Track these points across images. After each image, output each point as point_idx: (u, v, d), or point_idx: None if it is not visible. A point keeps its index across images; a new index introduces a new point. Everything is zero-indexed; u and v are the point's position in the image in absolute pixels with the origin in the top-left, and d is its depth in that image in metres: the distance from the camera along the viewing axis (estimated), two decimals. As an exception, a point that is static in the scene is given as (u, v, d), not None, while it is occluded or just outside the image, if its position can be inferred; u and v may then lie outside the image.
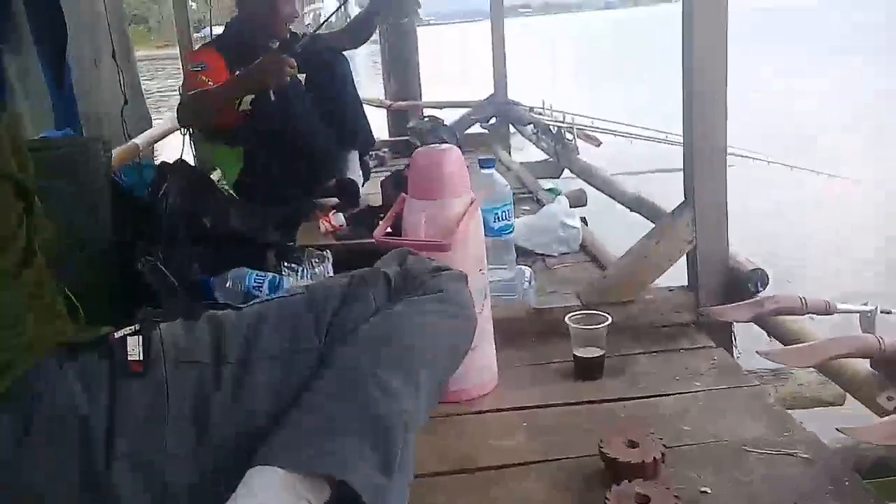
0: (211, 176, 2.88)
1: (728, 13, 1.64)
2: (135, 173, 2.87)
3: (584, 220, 3.32)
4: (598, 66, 19.04)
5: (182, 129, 2.87)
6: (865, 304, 1.32)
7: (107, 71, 3.23)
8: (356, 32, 3.12)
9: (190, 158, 3.94)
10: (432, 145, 1.49)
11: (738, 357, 1.75)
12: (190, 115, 2.62)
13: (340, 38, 3.09)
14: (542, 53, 22.74)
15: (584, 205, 3.58)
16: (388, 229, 1.49)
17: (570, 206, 3.37)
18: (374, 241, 1.47)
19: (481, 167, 1.80)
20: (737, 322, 1.42)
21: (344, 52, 2.96)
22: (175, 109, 2.73)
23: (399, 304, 1.08)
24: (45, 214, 1.05)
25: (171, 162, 1.96)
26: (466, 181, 1.47)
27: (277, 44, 2.74)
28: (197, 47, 2.87)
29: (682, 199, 1.77)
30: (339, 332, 1.03)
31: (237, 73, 2.47)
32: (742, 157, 3.84)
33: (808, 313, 1.34)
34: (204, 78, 2.53)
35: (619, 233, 3.06)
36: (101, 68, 3.19)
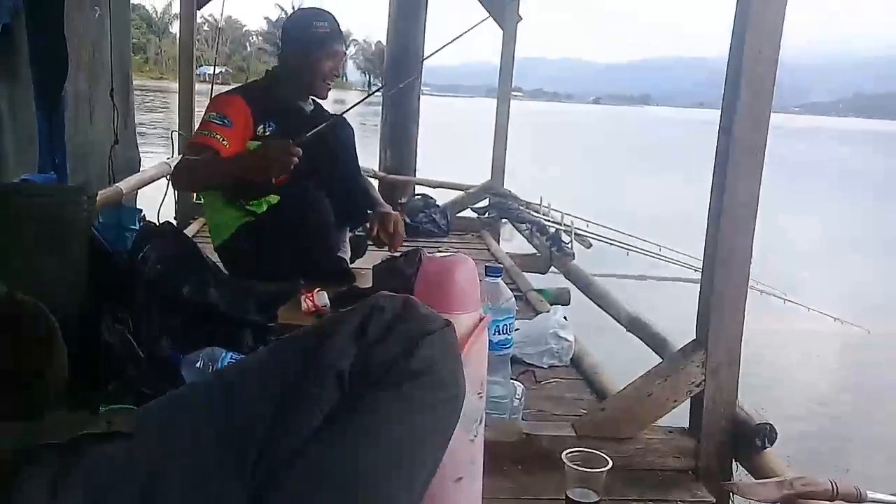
0: (192, 234, 2.75)
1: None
2: (117, 215, 2.75)
3: (565, 318, 3.25)
4: (595, 159, 19.41)
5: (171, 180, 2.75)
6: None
7: (103, 108, 3.13)
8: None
9: (171, 203, 3.84)
10: (443, 254, 1.38)
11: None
12: (185, 183, 2.53)
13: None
14: (535, 139, 23.17)
15: (567, 303, 3.51)
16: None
17: (552, 303, 3.31)
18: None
19: (488, 275, 1.70)
20: (763, 502, 1.31)
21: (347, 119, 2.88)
22: (173, 167, 2.61)
23: (360, 406, 0.85)
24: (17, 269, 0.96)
25: (156, 224, 1.83)
26: (477, 296, 1.36)
27: (312, 107, 2.71)
28: (225, 90, 2.76)
29: (684, 332, 1.68)
30: (271, 467, 0.80)
31: (244, 154, 2.40)
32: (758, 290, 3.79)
33: (839, 499, 1.23)
34: (219, 136, 2.42)
35: (604, 341, 2.99)
36: (96, 105, 3.09)
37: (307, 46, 2.60)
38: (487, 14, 4.30)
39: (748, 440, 1.61)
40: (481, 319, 1.35)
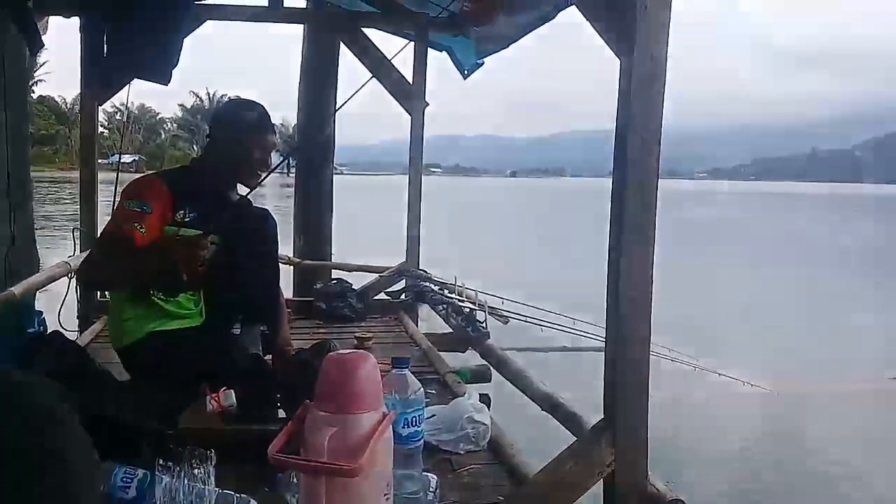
0: (94, 335, 2.63)
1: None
2: (10, 321, 2.61)
3: (488, 397, 3.23)
4: (512, 234, 19.79)
5: (72, 278, 2.64)
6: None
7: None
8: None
9: (74, 302, 3.68)
10: (346, 352, 1.36)
11: None
12: (92, 281, 2.44)
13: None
14: (453, 215, 23.52)
15: (488, 381, 3.50)
16: (286, 442, 1.32)
17: (473, 381, 3.30)
18: (265, 428, 1.31)
19: (395, 366, 1.68)
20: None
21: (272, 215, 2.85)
22: (76, 267, 2.50)
23: None
24: None
25: (43, 334, 1.75)
26: (380, 393, 1.35)
27: (237, 197, 2.66)
28: (144, 174, 2.68)
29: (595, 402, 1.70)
30: None
31: (151, 253, 2.33)
32: (661, 357, 3.88)
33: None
34: (136, 224, 2.33)
35: (524, 418, 2.98)
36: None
37: (239, 134, 2.58)
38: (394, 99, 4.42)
39: (661, 517, 1.61)
40: (385, 416, 1.34)
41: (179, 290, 2.49)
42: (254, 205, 2.78)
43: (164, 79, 3.24)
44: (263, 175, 2.65)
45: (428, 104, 4.43)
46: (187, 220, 2.45)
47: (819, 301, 9.68)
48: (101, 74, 3.27)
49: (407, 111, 4.43)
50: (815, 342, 7.19)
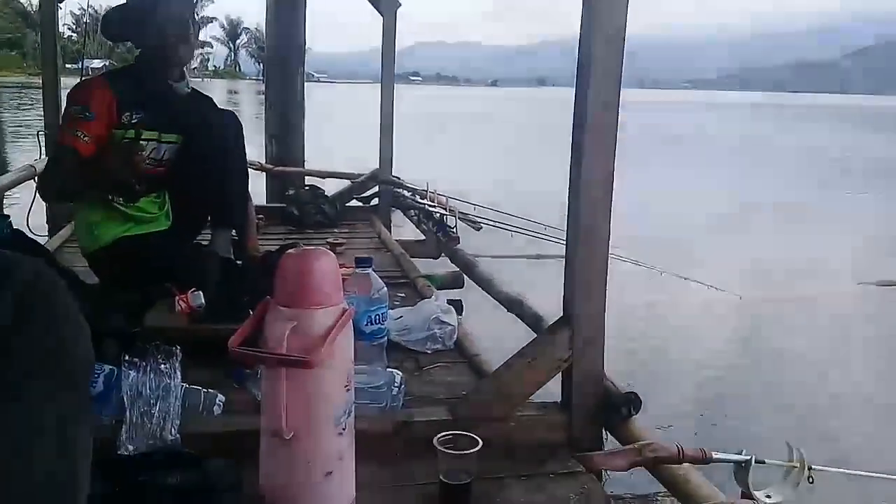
0: (64, 239, 2.62)
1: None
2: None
3: (459, 303, 3.29)
4: (487, 144, 19.62)
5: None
6: (740, 454, 1.30)
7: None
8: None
9: (42, 209, 3.65)
10: (304, 248, 1.37)
11: (606, 480, 1.71)
12: (50, 196, 2.41)
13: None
14: (432, 124, 23.20)
15: (462, 286, 3.55)
16: (246, 337, 1.34)
17: (447, 288, 3.35)
18: (232, 327, 1.33)
19: (358, 265, 1.70)
20: (615, 471, 1.37)
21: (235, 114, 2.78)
22: (36, 173, 2.46)
23: None
24: None
25: (3, 234, 1.73)
26: (339, 289, 1.36)
27: (188, 90, 2.57)
28: (89, 76, 2.60)
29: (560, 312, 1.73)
30: None
31: (91, 168, 2.29)
32: (621, 260, 3.93)
33: (685, 461, 1.30)
34: (80, 133, 2.28)
35: (494, 324, 3.05)
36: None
37: (141, 32, 2.48)
38: None
39: (615, 410, 1.68)
40: (344, 312, 1.36)
41: (133, 197, 2.47)
42: (217, 105, 2.73)
43: None
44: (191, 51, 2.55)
45: (400, 4, 4.31)
46: (134, 121, 2.40)
47: (792, 212, 9.78)
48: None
49: (378, 10, 4.31)
50: (787, 252, 7.31)
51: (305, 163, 5.20)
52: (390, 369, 1.85)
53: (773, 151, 21.04)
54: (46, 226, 3.71)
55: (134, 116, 2.40)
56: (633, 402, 1.67)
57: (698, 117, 41.56)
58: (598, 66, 1.60)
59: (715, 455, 1.32)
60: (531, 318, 2.37)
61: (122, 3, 2.59)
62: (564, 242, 1.75)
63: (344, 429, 1.35)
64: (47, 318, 0.72)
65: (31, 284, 0.72)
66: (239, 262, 2.65)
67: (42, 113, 4.18)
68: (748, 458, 1.30)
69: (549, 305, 2.47)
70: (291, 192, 4.29)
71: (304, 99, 5.28)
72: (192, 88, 2.62)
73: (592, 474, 1.60)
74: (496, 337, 2.73)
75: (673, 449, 1.31)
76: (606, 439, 1.74)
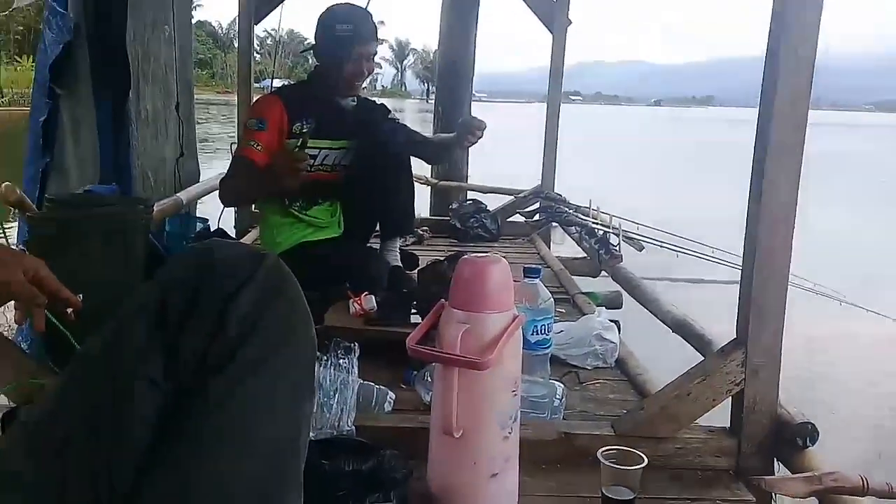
0: (251, 243, 2.86)
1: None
2: (179, 224, 2.88)
3: (618, 323, 3.22)
4: (649, 164, 19.10)
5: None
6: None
7: (171, 124, 3.29)
8: (437, 153, 3.12)
9: (230, 214, 3.97)
10: (480, 256, 1.42)
11: (777, 513, 1.63)
12: (229, 200, 2.66)
13: (422, 145, 2.96)
14: (592, 143, 22.91)
15: (620, 307, 3.49)
16: (423, 336, 1.41)
17: (606, 308, 3.30)
18: (400, 330, 1.41)
19: (526, 276, 1.74)
20: (793, 497, 1.31)
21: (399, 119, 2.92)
22: (221, 180, 2.70)
23: (190, 410, 0.75)
24: (79, 277, 0.99)
25: (209, 232, 1.92)
26: (511, 296, 1.40)
27: (354, 102, 2.74)
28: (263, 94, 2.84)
29: (734, 335, 1.68)
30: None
31: (262, 174, 2.46)
32: (806, 290, 3.69)
33: (868, 494, 1.22)
34: (254, 143, 2.50)
35: (655, 345, 2.97)
36: (168, 121, 3.24)
37: (332, 49, 2.61)
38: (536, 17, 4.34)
39: (789, 440, 1.60)
40: (515, 319, 1.39)
41: (307, 202, 2.65)
42: (388, 110, 2.86)
43: None
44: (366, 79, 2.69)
45: (571, 22, 4.33)
46: (304, 130, 2.58)
47: None
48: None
49: (549, 29, 4.35)
50: None
51: (469, 178, 5.32)
52: (553, 380, 1.86)
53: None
54: (234, 230, 4.05)
55: (305, 126, 2.60)
56: (809, 432, 1.58)
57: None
58: (785, 86, 1.55)
59: (904, 491, 1.23)
60: (698, 341, 2.30)
61: (332, 8, 2.70)
62: (736, 266, 1.70)
63: (510, 432, 1.38)
64: (290, 300, 0.83)
65: (277, 273, 0.83)
66: (407, 270, 2.77)
67: (235, 127, 4.57)
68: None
69: (714, 330, 2.39)
70: (454, 205, 4.41)
71: (471, 112, 5.41)
72: (360, 97, 2.78)
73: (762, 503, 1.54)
74: (658, 358, 2.66)
75: (857, 480, 1.24)
76: (779, 470, 1.66)
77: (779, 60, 1.55)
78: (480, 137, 2.66)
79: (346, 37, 2.59)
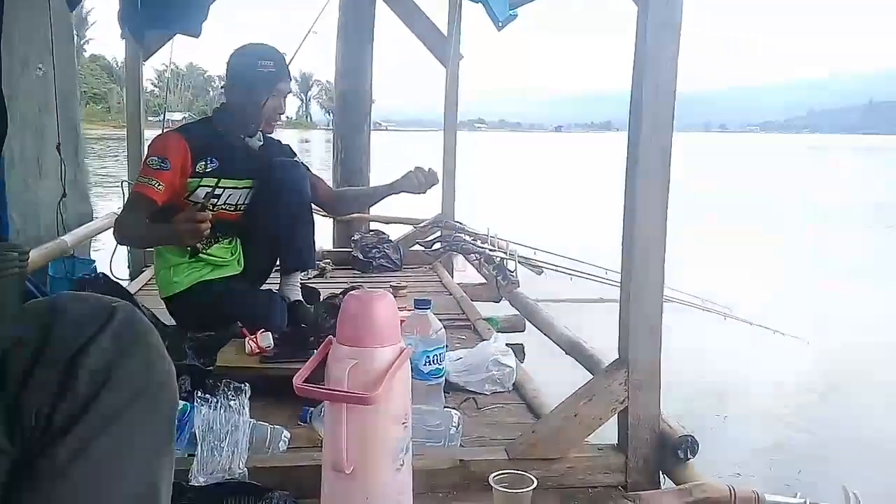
0: (144, 282, 2.78)
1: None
2: (63, 267, 2.77)
3: (522, 346, 3.28)
4: (548, 190, 19.61)
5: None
6: (795, 496, 1.29)
7: (51, 164, 3.17)
8: (375, 202, 3.07)
9: (123, 254, 3.85)
10: (365, 290, 1.44)
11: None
12: (125, 241, 2.58)
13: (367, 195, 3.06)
14: (496, 170, 23.34)
15: (523, 330, 3.57)
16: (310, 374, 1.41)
17: (508, 332, 3.37)
18: (298, 367, 1.40)
19: (417, 307, 1.77)
20: (664, 510, 1.37)
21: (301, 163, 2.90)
22: (114, 223, 2.62)
23: (37, 475, 0.72)
24: None
25: (90, 276, 1.86)
26: (397, 329, 1.42)
27: (260, 143, 2.70)
28: (167, 130, 2.76)
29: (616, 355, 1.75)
30: None
31: (160, 227, 2.43)
32: (678, 302, 3.89)
33: (737, 503, 1.30)
34: (154, 183, 2.43)
35: (555, 366, 3.05)
36: (44, 162, 3.12)
37: (251, 86, 2.57)
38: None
39: (672, 453, 1.68)
40: (402, 352, 1.42)
41: (198, 251, 2.61)
42: (290, 149, 2.86)
43: (195, 31, 3.35)
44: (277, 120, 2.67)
45: (463, 56, 4.44)
46: (208, 170, 2.55)
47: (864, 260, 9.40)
48: (135, 28, 3.37)
49: (442, 63, 4.45)
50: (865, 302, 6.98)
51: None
52: (448, 409, 1.89)
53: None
54: (128, 270, 3.92)
55: (208, 166, 2.55)
56: (689, 445, 1.67)
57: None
58: (649, 112, 1.65)
59: (769, 497, 1.31)
60: (589, 362, 2.38)
61: (247, 47, 2.67)
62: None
63: (402, 465, 1.40)
64: (145, 356, 0.81)
65: (130, 324, 0.81)
66: (309, 305, 2.75)
67: (127, 163, 4.44)
68: (802, 500, 1.29)
69: (611, 350, 2.49)
70: (357, 236, 4.42)
71: (369, 148, 5.45)
72: (266, 137, 2.76)
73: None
74: (557, 381, 2.74)
75: (724, 490, 1.31)
76: (664, 483, 1.73)
77: (642, 92, 1.65)
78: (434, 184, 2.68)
79: (267, 73, 2.57)
